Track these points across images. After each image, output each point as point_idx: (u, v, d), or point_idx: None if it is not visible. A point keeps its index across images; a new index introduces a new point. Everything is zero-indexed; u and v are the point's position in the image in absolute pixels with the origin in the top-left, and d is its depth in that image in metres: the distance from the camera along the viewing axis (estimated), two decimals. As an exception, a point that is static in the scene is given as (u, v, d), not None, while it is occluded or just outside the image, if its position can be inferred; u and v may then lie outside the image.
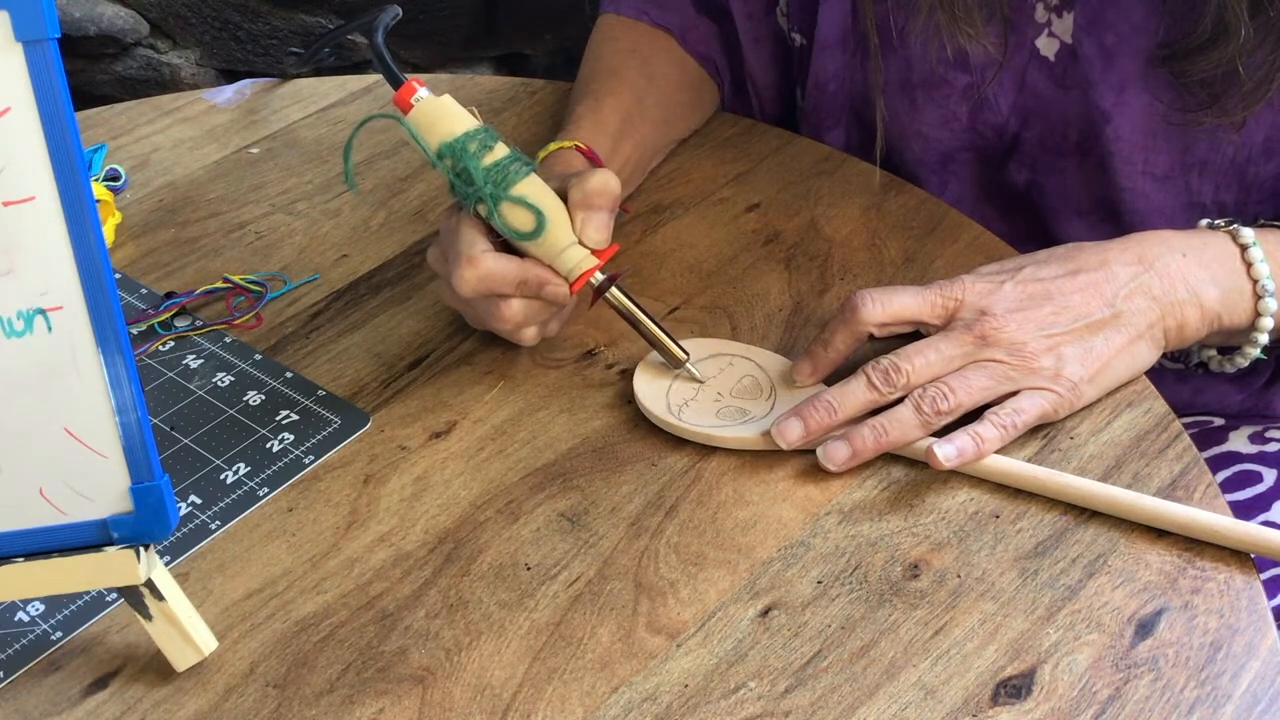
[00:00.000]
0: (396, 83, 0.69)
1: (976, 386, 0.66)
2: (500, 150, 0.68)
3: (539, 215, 0.68)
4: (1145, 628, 0.58)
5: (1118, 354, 0.68)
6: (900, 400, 0.66)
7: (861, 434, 0.65)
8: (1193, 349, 0.76)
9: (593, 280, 0.69)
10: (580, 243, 0.69)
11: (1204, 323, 0.69)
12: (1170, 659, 0.57)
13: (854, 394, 0.66)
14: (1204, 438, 0.84)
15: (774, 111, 0.96)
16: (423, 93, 0.68)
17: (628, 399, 0.72)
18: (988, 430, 0.65)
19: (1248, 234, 0.70)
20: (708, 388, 0.70)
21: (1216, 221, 0.72)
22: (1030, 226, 0.87)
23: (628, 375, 0.73)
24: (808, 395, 0.68)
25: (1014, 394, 0.66)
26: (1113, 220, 0.83)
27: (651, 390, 0.71)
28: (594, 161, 0.78)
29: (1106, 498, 0.63)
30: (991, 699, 0.56)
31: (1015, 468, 0.65)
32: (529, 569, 0.63)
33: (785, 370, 0.71)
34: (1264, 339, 0.71)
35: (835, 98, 0.90)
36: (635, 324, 0.70)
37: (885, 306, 0.68)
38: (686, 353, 0.70)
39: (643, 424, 0.70)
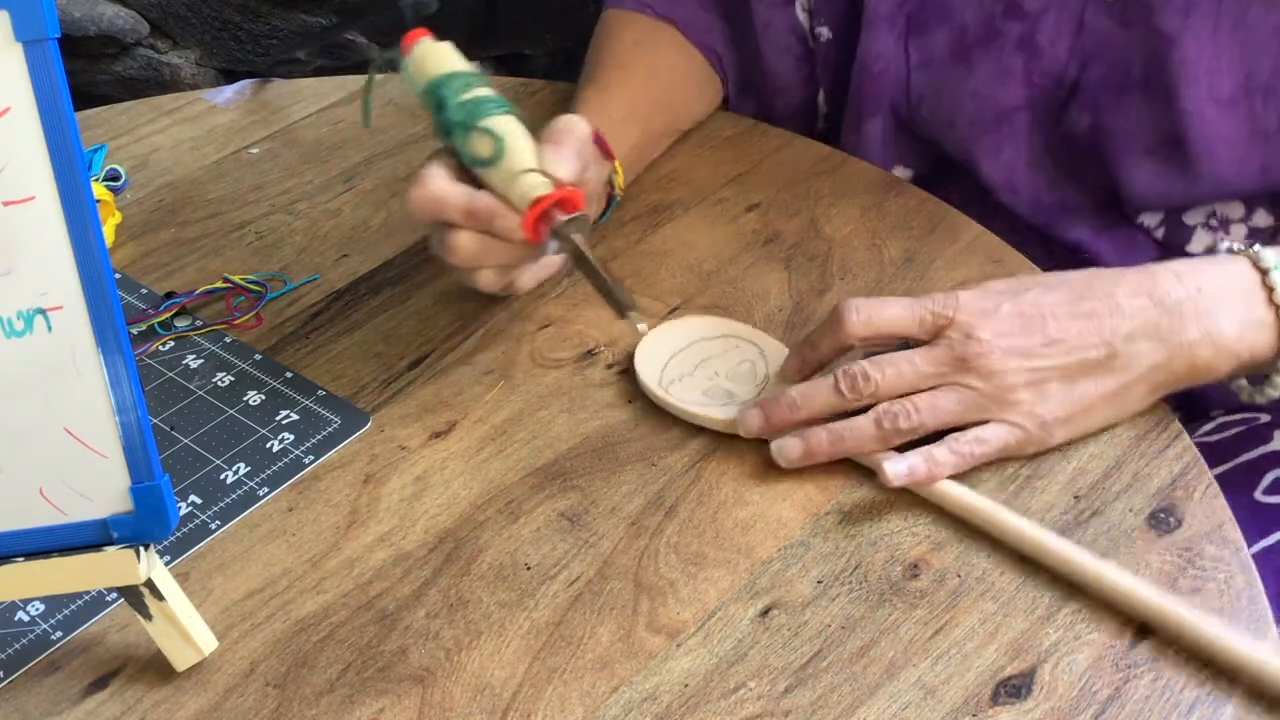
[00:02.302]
0: (406, 31, 0.71)
1: (943, 410, 0.64)
2: (482, 91, 0.69)
3: (499, 141, 0.68)
4: (1145, 627, 0.58)
5: (1105, 399, 0.65)
6: (867, 408, 0.65)
7: (818, 436, 0.65)
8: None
9: (549, 217, 0.67)
10: (542, 174, 0.68)
11: (1221, 361, 0.66)
12: (1170, 659, 0.57)
13: (818, 395, 0.65)
14: (1250, 436, 0.83)
15: (789, 112, 0.96)
16: (427, 40, 0.71)
17: (628, 399, 0.72)
18: (943, 455, 0.63)
19: (1269, 257, 0.67)
20: (704, 367, 0.70)
21: (1236, 246, 0.69)
22: (1089, 185, 0.86)
23: (628, 375, 0.73)
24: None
25: (982, 421, 0.65)
26: (1179, 156, 0.81)
27: (650, 363, 0.71)
28: (599, 143, 0.77)
29: (1051, 553, 0.60)
30: (991, 699, 0.56)
31: (965, 499, 0.63)
32: (529, 569, 0.63)
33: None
34: None
35: (880, 79, 0.89)
36: (583, 266, 0.68)
37: (871, 319, 0.66)
38: (633, 303, 0.68)
39: (643, 424, 0.70)
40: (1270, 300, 0.66)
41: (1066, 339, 0.64)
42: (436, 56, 0.71)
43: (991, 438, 0.64)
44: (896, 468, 0.62)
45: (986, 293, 0.66)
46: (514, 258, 0.71)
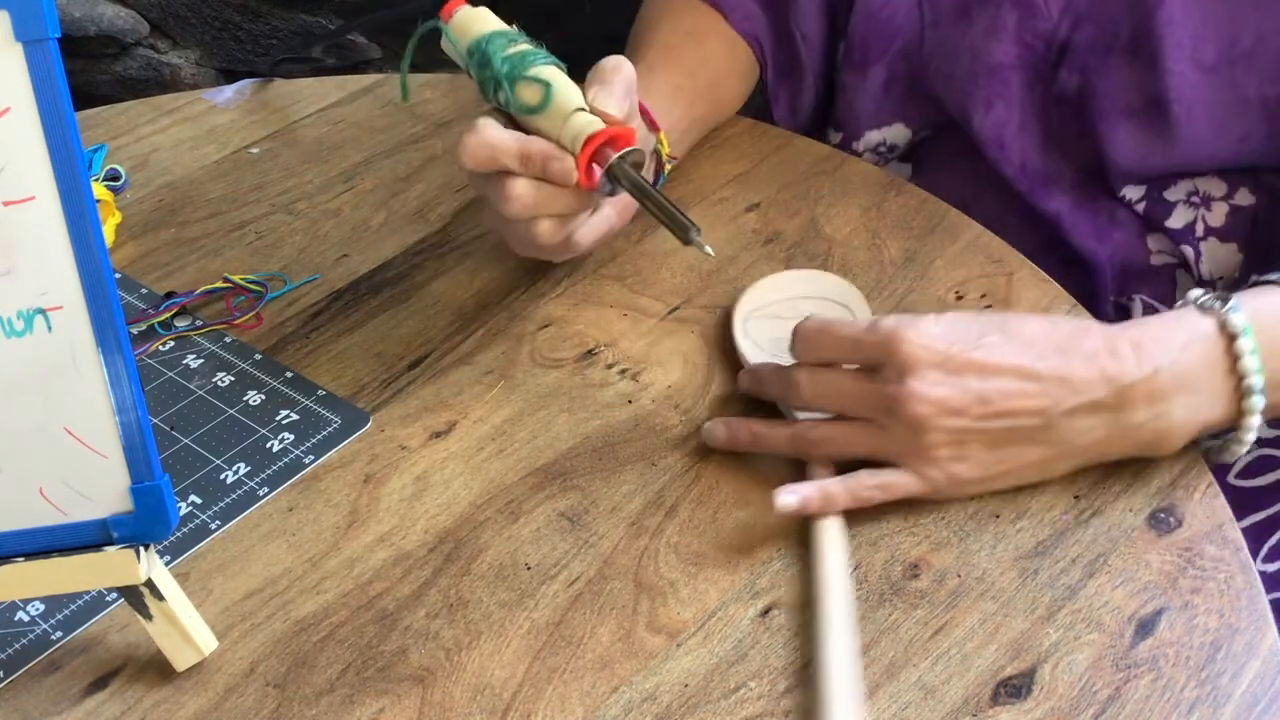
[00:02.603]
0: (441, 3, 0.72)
1: (855, 446, 0.64)
2: (524, 46, 0.70)
3: (547, 86, 0.68)
4: (1145, 627, 0.58)
5: (1027, 466, 0.63)
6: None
7: (741, 430, 0.67)
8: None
9: (601, 158, 0.67)
10: (592, 112, 0.68)
11: (1166, 443, 0.63)
12: (1170, 659, 0.57)
13: (766, 386, 0.68)
14: None
15: (820, 69, 0.96)
16: (465, 5, 0.72)
17: (628, 399, 0.72)
18: (840, 494, 0.62)
19: (1238, 321, 0.62)
20: (784, 322, 0.71)
21: (1206, 297, 0.64)
22: (1080, 141, 0.86)
23: (627, 375, 0.73)
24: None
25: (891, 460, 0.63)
26: (1160, 119, 0.81)
27: (746, 304, 0.75)
28: (644, 113, 0.77)
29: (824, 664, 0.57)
30: (991, 699, 0.56)
31: (820, 535, 0.62)
32: (529, 569, 0.63)
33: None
34: (1250, 437, 0.64)
35: (886, 25, 0.89)
36: (643, 196, 0.68)
37: (819, 346, 0.65)
38: (696, 226, 0.67)
39: (643, 424, 0.70)
40: (1232, 370, 0.63)
41: (1003, 403, 0.61)
42: (478, 19, 0.72)
43: (896, 485, 0.63)
44: (787, 500, 0.62)
45: (936, 334, 0.62)
46: (571, 205, 0.70)
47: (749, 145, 0.91)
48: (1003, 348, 0.62)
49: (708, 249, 0.66)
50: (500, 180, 0.68)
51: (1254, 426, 0.63)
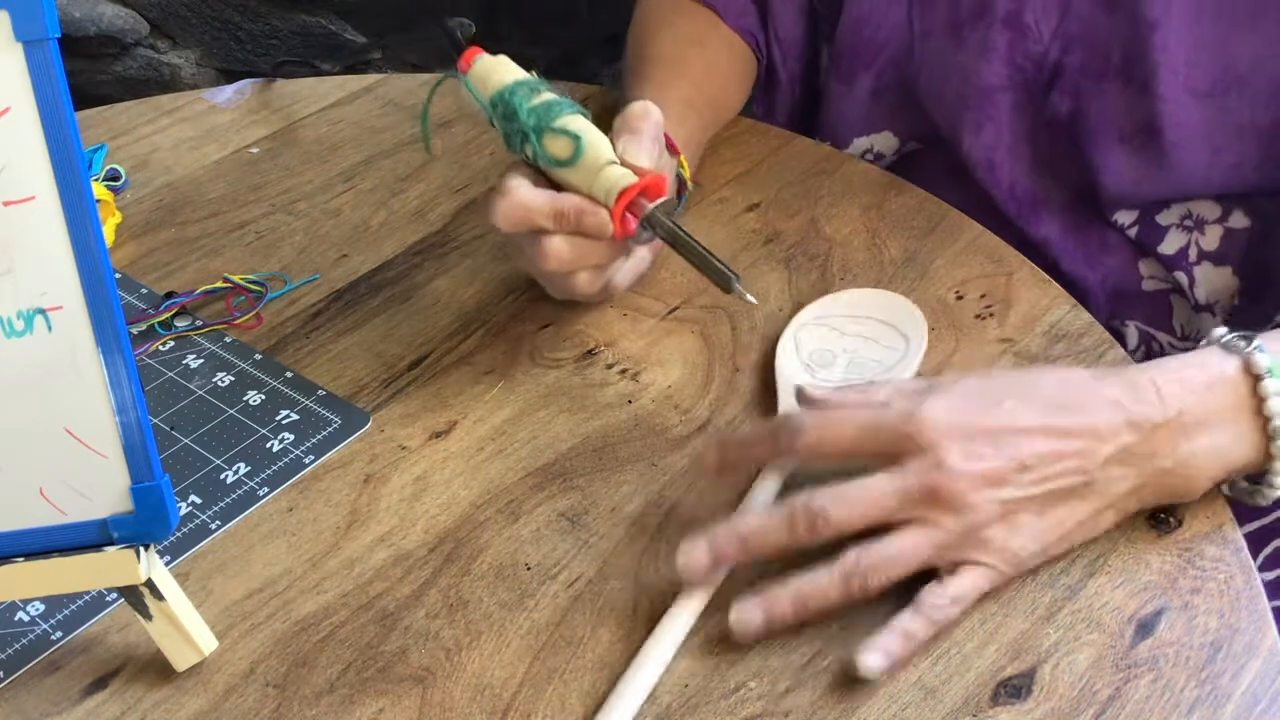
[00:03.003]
0: (460, 50, 0.71)
1: (914, 559, 0.57)
2: (548, 95, 0.69)
3: (577, 139, 0.67)
4: (1145, 628, 0.58)
5: (1078, 525, 0.60)
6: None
7: (780, 603, 0.57)
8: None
9: (635, 207, 0.67)
10: (622, 165, 0.67)
11: (1194, 486, 0.61)
12: (1170, 659, 0.57)
13: (771, 534, 0.58)
14: None
15: (797, 71, 0.96)
16: (483, 55, 0.71)
17: (628, 399, 0.72)
18: (919, 627, 0.57)
19: (1262, 361, 0.60)
20: (842, 354, 0.70)
21: (1230, 337, 0.62)
22: (1066, 176, 0.86)
23: (627, 375, 0.73)
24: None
25: (952, 566, 0.58)
26: (1153, 146, 0.81)
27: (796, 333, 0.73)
28: (670, 145, 0.76)
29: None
30: (991, 699, 0.56)
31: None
32: (529, 569, 0.63)
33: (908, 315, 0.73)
34: None
35: (871, 40, 0.89)
36: (681, 247, 0.67)
37: (822, 441, 0.60)
38: (735, 273, 0.67)
39: (643, 424, 0.70)
40: (1258, 411, 0.60)
41: (1041, 465, 0.58)
42: (498, 68, 0.71)
43: (969, 592, 0.58)
44: (872, 661, 0.56)
45: (953, 406, 0.59)
46: (607, 255, 0.70)
47: (749, 145, 0.91)
48: (1024, 409, 0.59)
49: (750, 298, 0.67)
50: (536, 238, 0.68)
51: None
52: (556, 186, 0.69)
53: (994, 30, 0.83)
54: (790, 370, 0.71)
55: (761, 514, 0.59)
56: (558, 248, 0.67)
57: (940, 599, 0.57)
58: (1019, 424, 0.58)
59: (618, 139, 0.69)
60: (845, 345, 0.72)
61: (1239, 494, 0.64)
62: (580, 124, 0.69)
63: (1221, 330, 0.63)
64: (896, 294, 0.75)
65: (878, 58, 0.90)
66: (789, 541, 0.58)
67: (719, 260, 0.67)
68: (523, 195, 0.67)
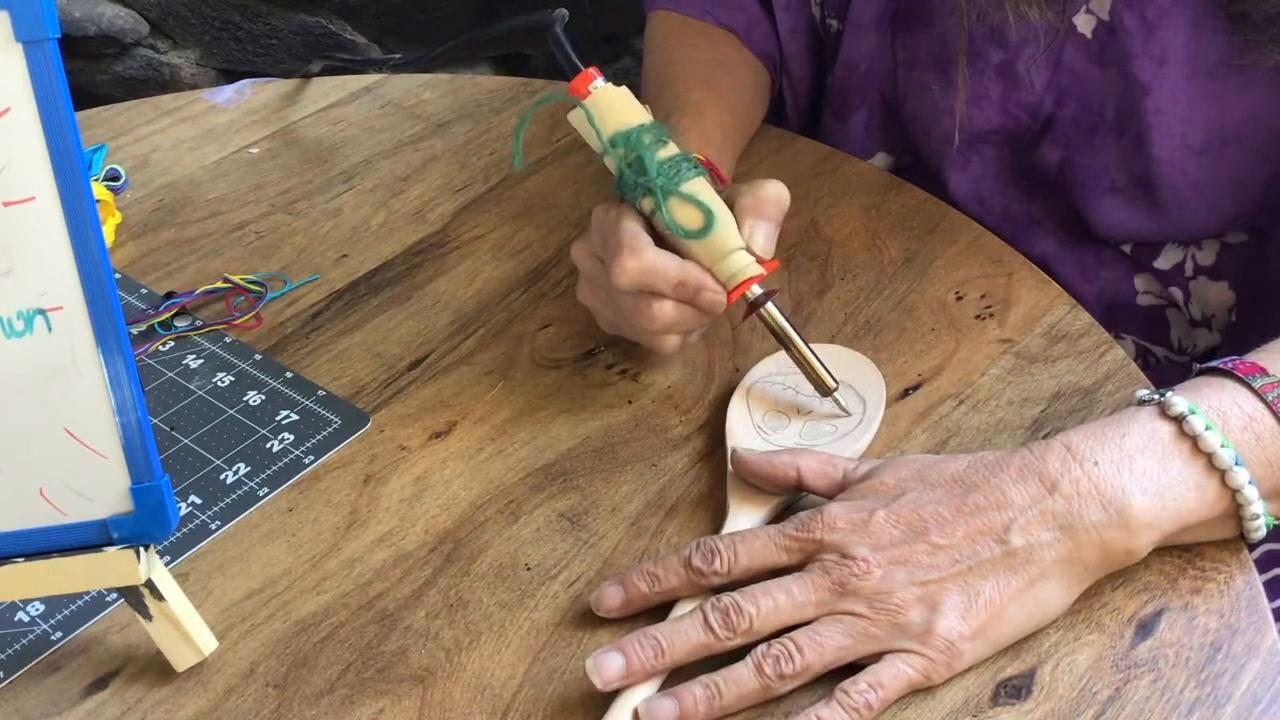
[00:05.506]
0: (575, 70, 0.69)
1: (830, 646, 0.55)
2: (672, 148, 0.68)
3: (709, 214, 0.67)
4: (1145, 628, 0.58)
5: (1013, 600, 0.56)
6: (741, 651, 0.56)
7: (693, 692, 0.55)
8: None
9: (749, 293, 0.67)
10: (747, 250, 0.67)
11: (1139, 540, 0.57)
12: (1170, 659, 0.57)
13: (687, 635, 0.56)
14: None
15: (806, 101, 0.97)
16: (600, 81, 0.69)
17: (628, 399, 0.72)
18: (830, 713, 0.54)
19: (1179, 403, 0.58)
20: (798, 413, 0.69)
21: (1146, 395, 0.61)
22: (1058, 206, 0.86)
23: (627, 375, 0.73)
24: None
25: (877, 655, 0.56)
26: (1148, 198, 0.81)
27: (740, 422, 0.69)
28: (717, 175, 0.73)
29: None
30: (991, 699, 0.56)
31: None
32: (529, 569, 0.63)
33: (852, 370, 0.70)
34: (1260, 519, 0.59)
35: (865, 78, 0.90)
36: (788, 344, 0.68)
37: (734, 564, 0.58)
38: (837, 381, 0.67)
39: (643, 424, 0.70)
40: (1195, 450, 0.58)
41: (954, 542, 0.57)
42: (619, 104, 0.68)
43: (889, 680, 0.55)
44: None
45: (855, 504, 0.59)
46: (704, 323, 0.70)
47: (749, 145, 0.91)
48: (926, 495, 0.58)
49: (846, 410, 0.68)
50: (646, 298, 0.67)
51: (1253, 502, 0.58)
52: (662, 240, 0.68)
53: (986, 78, 0.83)
54: (741, 432, 0.68)
55: (672, 621, 0.57)
56: (668, 312, 0.67)
57: (856, 685, 0.55)
58: (923, 509, 0.58)
59: (745, 218, 0.68)
60: (800, 405, 0.69)
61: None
62: (708, 194, 0.67)
63: (1143, 392, 0.61)
64: (859, 352, 0.72)
65: (867, 95, 0.91)
66: (705, 642, 0.56)
67: (823, 365, 0.67)
68: (653, 260, 0.66)
